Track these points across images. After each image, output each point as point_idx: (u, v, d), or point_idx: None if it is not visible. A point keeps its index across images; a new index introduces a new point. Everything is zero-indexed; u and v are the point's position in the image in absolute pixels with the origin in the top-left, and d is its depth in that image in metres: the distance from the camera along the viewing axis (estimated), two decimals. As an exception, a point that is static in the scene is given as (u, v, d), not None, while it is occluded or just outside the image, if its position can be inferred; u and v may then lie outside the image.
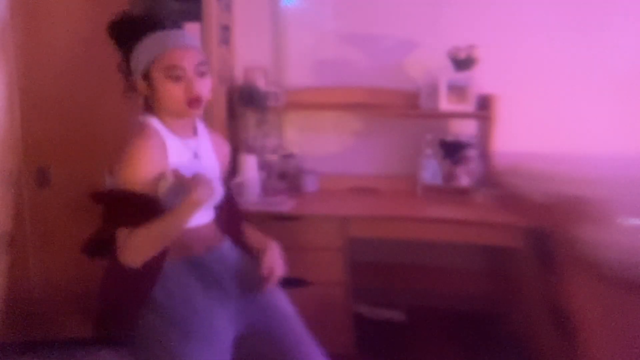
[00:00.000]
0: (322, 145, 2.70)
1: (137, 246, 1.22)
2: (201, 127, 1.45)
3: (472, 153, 2.44)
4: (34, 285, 2.24)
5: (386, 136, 2.66)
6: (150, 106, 1.35)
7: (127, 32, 1.33)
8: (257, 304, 1.39)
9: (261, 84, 2.48)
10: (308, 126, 2.69)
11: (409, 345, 2.40)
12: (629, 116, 2.46)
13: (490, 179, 2.39)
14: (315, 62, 2.66)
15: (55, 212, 2.21)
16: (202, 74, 1.29)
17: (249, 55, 2.63)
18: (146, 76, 1.28)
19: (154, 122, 1.32)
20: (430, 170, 2.49)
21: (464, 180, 2.44)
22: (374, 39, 2.61)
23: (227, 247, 1.46)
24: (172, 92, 1.25)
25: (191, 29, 2.22)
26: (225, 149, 1.54)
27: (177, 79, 1.24)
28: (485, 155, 2.41)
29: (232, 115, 2.47)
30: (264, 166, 2.47)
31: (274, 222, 2.11)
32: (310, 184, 2.55)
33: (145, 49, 1.28)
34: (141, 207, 1.22)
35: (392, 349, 2.38)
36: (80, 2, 2.11)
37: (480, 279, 2.66)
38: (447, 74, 2.38)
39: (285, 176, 2.55)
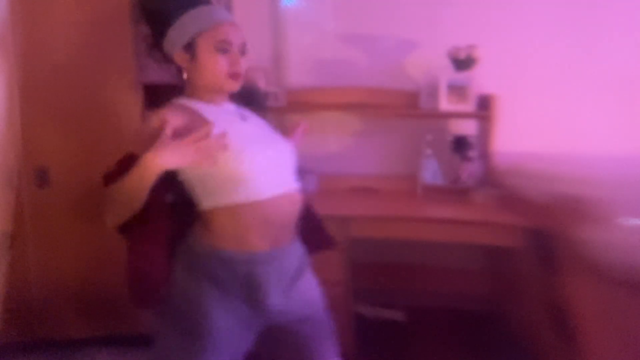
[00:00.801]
0: (322, 145, 2.70)
1: (105, 203, 1.18)
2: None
3: (472, 153, 2.44)
4: (34, 285, 2.24)
5: (386, 136, 2.66)
6: (185, 87, 1.33)
7: (164, 5, 1.30)
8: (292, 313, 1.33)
9: (261, 84, 2.48)
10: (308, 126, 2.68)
11: (409, 345, 2.40)
12: (629, 116, 2.46)
13: (490, 179, 2.39)
14: (315, 62, 2.66)
15: (55, 212, 2.21)
16: (243, 53, 1.32)
17: (248, 55, 2.63)
18: (189, 48, 1.27)
19: (182, 100, 1.31)
20: (430, 170, 2.49)
21: (466, 179, 2.44)
22: (374, 39, 2.61)
23: (296, 244, 1.35)
24: (218, 64, 1.25)
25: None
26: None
27: (225, 52, 1.26)
28: (485, 155, 2.41)
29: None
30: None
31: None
32: (310, 184, 2.54)
33: (192, 22, 1.27)
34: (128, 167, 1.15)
35: (392, 349, 2.37)
36: (80, 2, 2.11)
37: (480, 279, 2.66)
38: (447, 74, 2.38)
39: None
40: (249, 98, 2.45)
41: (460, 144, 2.46)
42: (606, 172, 2.07)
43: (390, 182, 2.60)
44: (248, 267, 1.24)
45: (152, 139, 1.14)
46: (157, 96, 2.35)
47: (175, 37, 1.28)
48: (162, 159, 1.11)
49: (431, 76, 2.44)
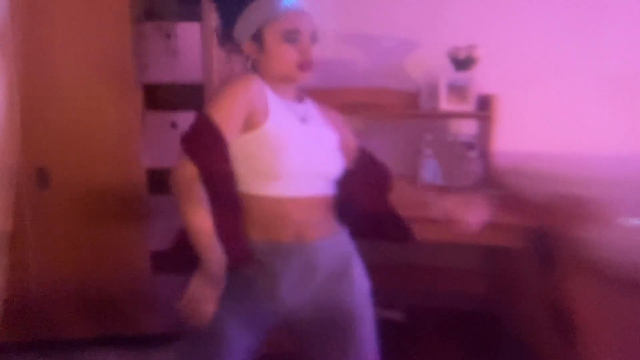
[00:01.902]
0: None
1: (180, 202, 1.14)
2: (308, 97, 1.37)
3: (472, 153, 2.44)
4: (34, 285, 2.24)
5: (386, 136, 2.66)
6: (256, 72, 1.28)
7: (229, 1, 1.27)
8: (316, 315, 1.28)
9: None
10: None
11: (408, 345, 2.40)
12: (629, 116, 2.46)
13: (490, 179, 2.39)
14: (315, 62, 2.66)
15: (55, 212, 2.21)
16: (315, 41, 1.27)
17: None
18: (257, 38, 1.24)
19: (258, 79, 1.25)
20: (430, 170, 2.48)
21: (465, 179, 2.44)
22: (374, 39, 2.61)
23: (330, 243, 1.29)
24: (286, 54, 1.22)
25: (191, 29, 2.23)
26: (339, 117, 1.44)
27: (294, 41, 1.22)
28: (485, 155, 2.41)
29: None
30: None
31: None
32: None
33: (259, 11, 1.23)
34: (212, 146, 1.13)
35: (392, 349, 2.37)
36: (80, 2, 2.11)
37: (480, 279, 2.66)
38: (447, 74, 2.38)
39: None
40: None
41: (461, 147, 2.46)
42: (606, 172, 2.07)
43: (390, 182, 2.60)
44: (269, 258, 1.22)
45: (230, 107, 1.14)
46: (157, 96, 2.37)
47: (244, 27, 1.25)
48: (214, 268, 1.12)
49: (431, 76, 2.44)
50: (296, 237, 1.23)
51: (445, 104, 2.39)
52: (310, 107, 1.35)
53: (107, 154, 2.21)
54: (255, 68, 1.27)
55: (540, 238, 1.94)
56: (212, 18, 2.22)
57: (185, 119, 2.21)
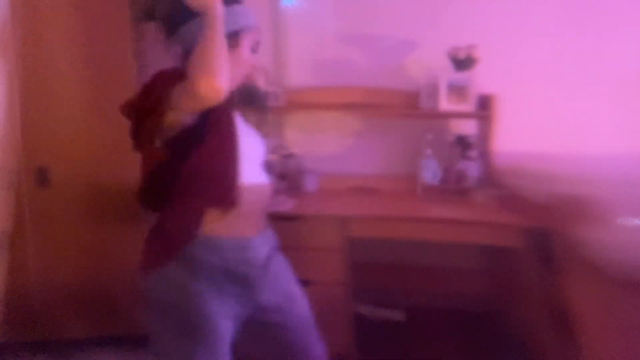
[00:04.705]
0: (322, 145, 2.70)
1: (203, 64, 1.17)
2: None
3: (472, 153, 2.44)
4: (34, 285, 2.24)
5: (386, 136, 2.66)
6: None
7: None
8: (275, 302, 1.41)
9: (261, 83, 2.48)
10: (308, 126, 2.69)
11: (409, 345, 2.40)
12: (629, 116, 2.46)
13: (490, 179, 2.39)
14: (315, 62, 2.66)
15: (55, 212, 2.21)
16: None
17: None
18: (232, 37, 1.33)
19: None
20: (430, 170, 2.49)
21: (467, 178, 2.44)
22: (374, 39, 2.61)
23: (269, 235, 1.48)
24: (249, 59, 1.40)
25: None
26: None
27: (255, 51, 1.42)
28: (485, 155, 2.41)
29: (232, 115, 2.46)
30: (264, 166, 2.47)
31: (274, 222, 2.11)
32: (310, 184, 2.55)
33: (242, 16, 1.36)
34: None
35: (392, 349, 2.37)
36: (80, 2, 2.11)
37: (480, 279, 2.66)
38: (447, 74, 2.38)
39: (286, 176, 2.55)
40: (249, 98, 2.46)
41: (461, 144, 2.46)
42: (606, 172, 2.07)
43: (390, 182, 2.60)
44: (238, 254, 1.32)
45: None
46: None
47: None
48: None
49: (431, 76, 2.44)
50: (257, 230, 1.41)
51: (445, 104, 2.39)
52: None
53: (107, 154, 2.21)
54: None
55: (540, 238, 1.94)
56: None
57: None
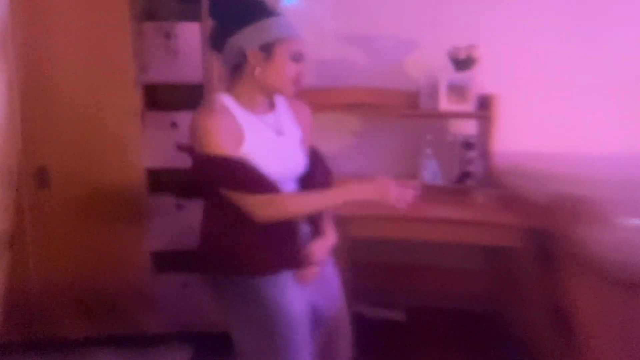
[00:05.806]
0: (322, 145, 2.69)
1: (285, 211, 1.37)
2: (279, 99, 1.52)
3: (472, 153, 2.45)
4: (34, 285, 2.24)
5: (386, 136, 2.66)
6: (232, 83, 1.44)
7: (243, 6, 1.41)
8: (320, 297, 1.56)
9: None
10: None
11: (409, 345, 2.40)
12: (629, 116, 2.46)
13: (490, 179, 2.39)
14: (315, 62, 2.66)
15: (55, 212, 2.21)
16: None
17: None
18: (266, 49, 1.37)
19: (225, 99, 1.41)
20: (430, 170, 2.49)
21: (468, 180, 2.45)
22: (374, 39, 2.61)
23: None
24: (290, 70, 1.40)
25: (191, 29, 2.22)
26: (306, 113, 1.60)
27: (298, 61, 1.41)
28: (485, 155, 2.41)
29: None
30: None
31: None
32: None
33: (276, 27, 1.38)
34: (245, 172, 1.33)
35: (392, 349, 2.37)
36: (80, 1, 2.11)
37: (480, 279, 2.66)
38: (447, 74, 2.38)
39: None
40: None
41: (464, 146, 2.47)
42: (606, 172, 2.07)
43: (390, 182, 2.60)
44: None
45: (226, 138, 1.32)
46: (157, 96, 2.36)
47: (253, 36, 1.37)
48: (363, 194, 1.47)
49: (431, 76, 2.44)
50: None
51: (445, 104, 2.39)
52: (281, 113, 1.50)
53: (107, 154, 2.21)
54: (247, 74, 1.39)
55: (540, 238, 1.94)
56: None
57: (185, 119, 2.21)
